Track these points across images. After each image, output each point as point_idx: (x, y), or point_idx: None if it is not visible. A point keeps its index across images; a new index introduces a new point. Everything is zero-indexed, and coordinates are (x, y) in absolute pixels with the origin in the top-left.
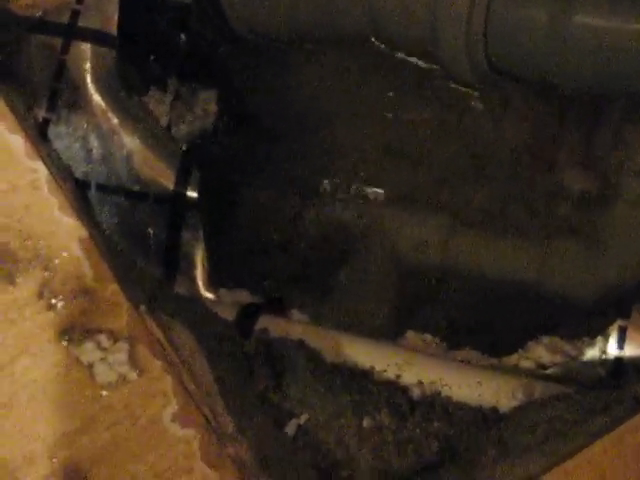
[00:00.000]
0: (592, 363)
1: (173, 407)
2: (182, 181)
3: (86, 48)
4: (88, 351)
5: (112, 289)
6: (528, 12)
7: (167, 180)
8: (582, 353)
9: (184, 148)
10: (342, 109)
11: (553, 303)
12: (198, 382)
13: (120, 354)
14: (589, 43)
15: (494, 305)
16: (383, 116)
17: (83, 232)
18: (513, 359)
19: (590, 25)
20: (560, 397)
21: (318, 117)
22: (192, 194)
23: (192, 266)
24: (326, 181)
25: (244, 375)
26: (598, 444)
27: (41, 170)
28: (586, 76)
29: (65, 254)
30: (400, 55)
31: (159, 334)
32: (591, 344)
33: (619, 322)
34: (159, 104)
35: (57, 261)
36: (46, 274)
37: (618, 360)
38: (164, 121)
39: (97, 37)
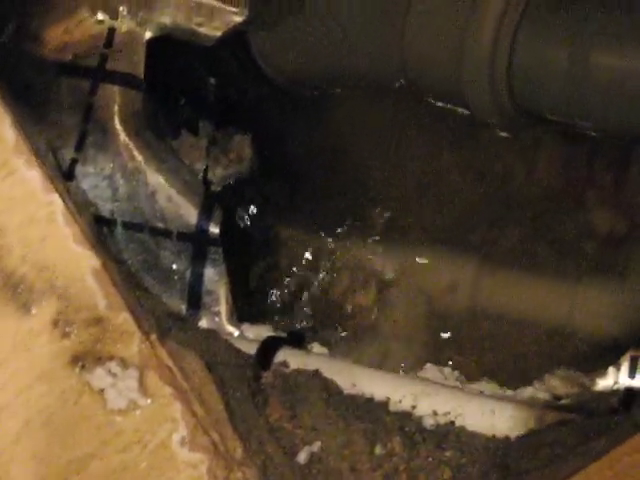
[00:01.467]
0: (604, 393)
1: (182, 432)
2: (205, 219)
3: (114, 90)
4: (99, 377)
5: (124, 317)
6: (549, 52)
7: (190, 217)
8: (595, 383)
9: (218, 189)
10: (372, 152)
11: (579, 339)
12: (207, 408)
13: (130, 380)
14: (608, 84)
15: (519, 343)
16: (413, 159)
17: (97, 262)
18: (529, 391)
19: (609, 65)
20: (563, 422)
21: (348, 160)
22: (214, 230)
23: (216, 301)
24: (356, 222)
25: (258, 404)
26: (595, 465)
27: (57, 203)
28: (609, 118)
29: (79, 284)
30: (429, 99)
31: (169, 362)
32: (603, 375)
33: (631, 352)
34: (194, 149)
35: (72, 290)
36: (61, 303)
37: (629, 390)
38: (200, 165)
39: (125, 80)
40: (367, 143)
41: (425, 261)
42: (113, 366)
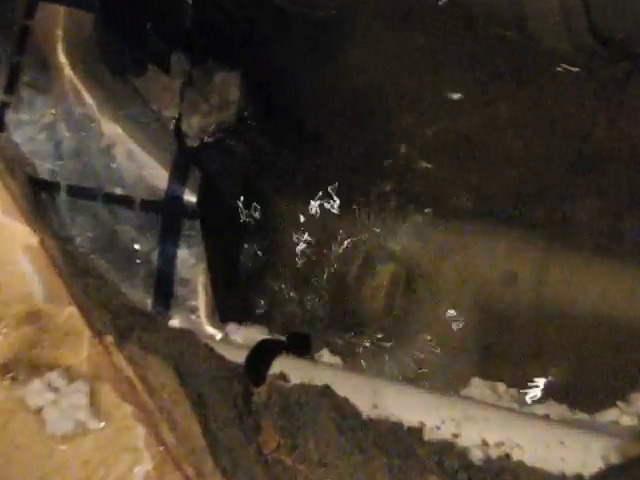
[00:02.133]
0: None
1: (146, 466)
2: (178, 182)
3: (57, 11)
4: (37, 392)
5: (69, 313)
6: None
7: (158, 180)
8: None
9: (195, 144)
10: (403, 94)
11: None
12: (180, 435)
13: (78, 396)
14: None
15: (596, 351)
16: (455, 106)
17: (32, 240)
18: (610, 414)
19: None
20: None
21: (370, 106)
22: (190, 199)
23: (191, 293)
24: (381, 191)
25: (248, 429)
26: None
27: None
28: None
29: (9, 268)
30: (478, 22)
31: (130, 372)
32: None
33: None
34: (164, 90)
35: None
36: None
37: None
38: (172, 112)
39: None
40: (394, 85)
41: (472, 244)
42: (55, 378)
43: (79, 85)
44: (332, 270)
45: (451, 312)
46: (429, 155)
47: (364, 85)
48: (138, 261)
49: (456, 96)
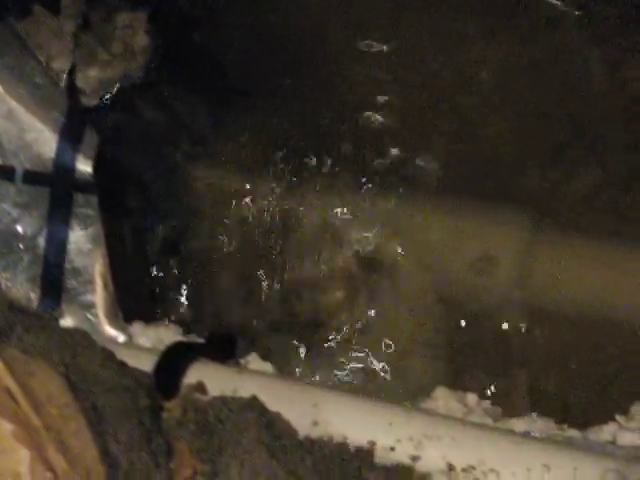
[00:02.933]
0: None
1: None
2: (69, 149)
3: None
4: None
5: None
6: None
7: (44, 145)
8: None
9: (93, 102)
10: (362, 37)
11: None
12: (72, 459)
13: None
14: None
15: (591, 352)
16: (428, 49)
17: None
18: (607, 430)
19: None
20: None
21: (313, 55)
22: (85, 168)
23: (87, 286)
24: (331, 159)
25: (158, 453)
26: None
27: None
28: None
29: None
30: None
31: (9, 381)
32: None
33: None
34: (53, 36)
35: None
36: None
37: None
38: (64, 63)
39: None
40: (351, 21)
41: (438, 222)
42: None
43: None
44: (272, 257)
45: (413, 307)
46: (387, 111)
47: (306, 28)
48: (21, 246)
49: (427, 56)
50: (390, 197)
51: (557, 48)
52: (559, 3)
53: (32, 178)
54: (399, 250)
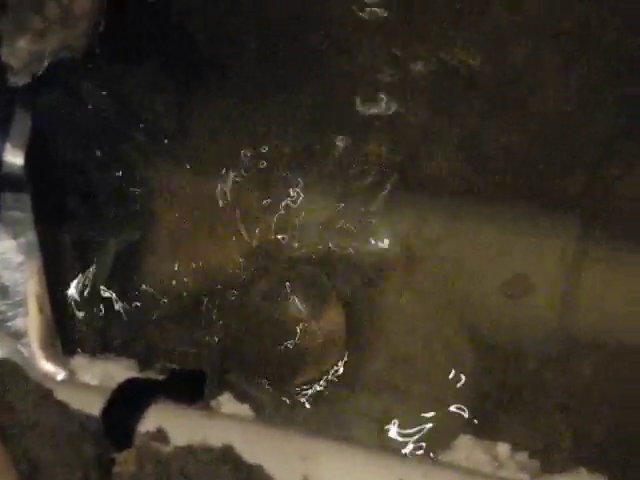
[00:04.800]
0: None
1: None
2: None
3: None
4: None
5: None
6: None
7: None
8: None
9: (24, 82)
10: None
11: None
12: None
13: None
14: None
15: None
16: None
17: None
18: None
19: None
20: None
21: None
22: (14, 161)
23: (16, 309)
24: (315, 157)
25: None
26: None
27: None
28: None
29: None
30: None
31: None
32: None
33: None
34: None
35: None
36: None
37: None
38: None
39: None
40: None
41: (458, 233)
42: None
43: None
44: (243, 278)
45: (429, 338)
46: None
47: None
48: None
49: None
50: (398, 203)
51: None
52: None
53: None
54: (415, 268)
